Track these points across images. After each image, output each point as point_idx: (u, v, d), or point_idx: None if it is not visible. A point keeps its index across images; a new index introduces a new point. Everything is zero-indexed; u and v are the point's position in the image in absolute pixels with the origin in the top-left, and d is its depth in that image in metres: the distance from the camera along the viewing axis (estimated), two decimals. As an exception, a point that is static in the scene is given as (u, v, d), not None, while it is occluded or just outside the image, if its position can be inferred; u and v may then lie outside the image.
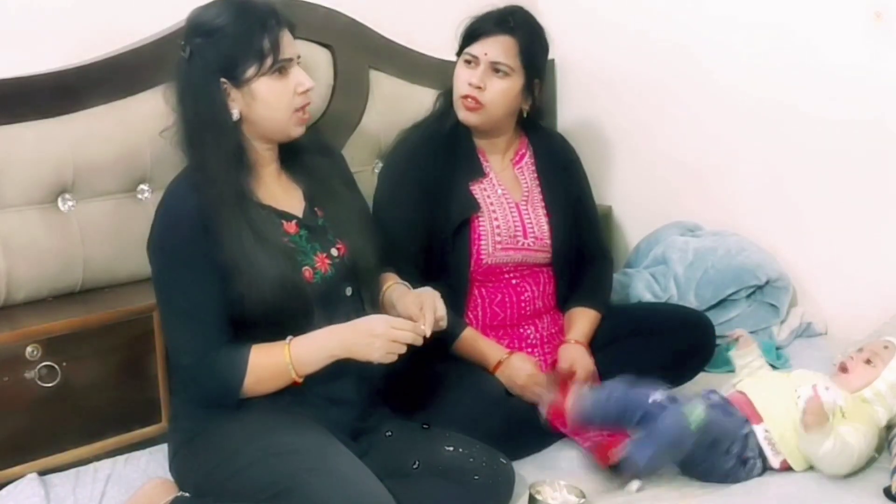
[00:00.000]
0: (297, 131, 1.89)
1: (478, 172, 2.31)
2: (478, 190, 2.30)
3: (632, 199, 3.11)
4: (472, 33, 2.26)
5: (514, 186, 2.36)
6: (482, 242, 2.26)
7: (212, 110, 1.81)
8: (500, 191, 2.32)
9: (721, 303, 2.73)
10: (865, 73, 2.54)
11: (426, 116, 2.38)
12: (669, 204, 3.00)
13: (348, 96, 2.59)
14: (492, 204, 2.30)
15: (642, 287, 2.76)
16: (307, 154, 1.97)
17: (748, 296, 2.75)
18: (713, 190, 2.92)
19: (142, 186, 2.26)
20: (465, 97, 2.24)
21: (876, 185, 2.59)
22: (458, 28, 2.29)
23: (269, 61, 1.80)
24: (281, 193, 1.92)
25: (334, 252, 1.92)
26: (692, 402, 2.02)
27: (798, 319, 2.75)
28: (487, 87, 2.23)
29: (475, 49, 2.24)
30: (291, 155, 1.95)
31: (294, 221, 1.90)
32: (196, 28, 1.83)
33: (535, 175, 2.39)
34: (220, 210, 1.78)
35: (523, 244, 2.30)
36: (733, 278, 2.72)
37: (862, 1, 2.51)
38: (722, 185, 2.90)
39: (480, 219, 2.27)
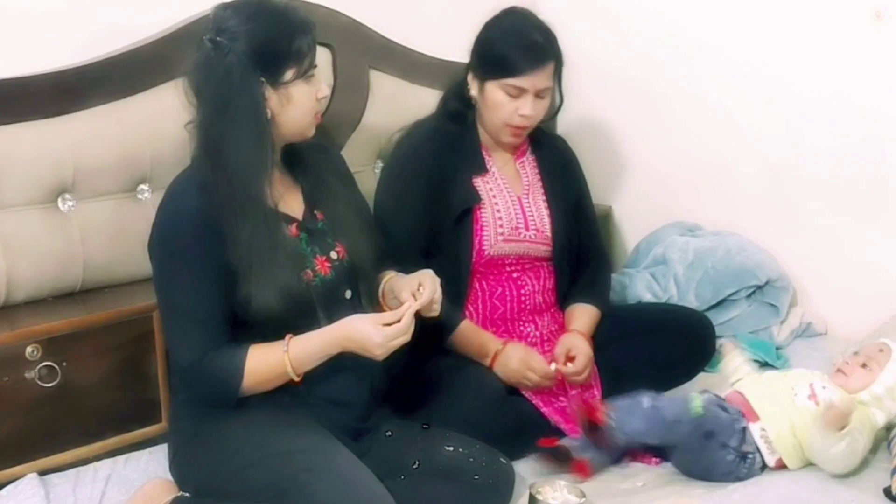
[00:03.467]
0: (311, 133, 1.90)
1: (480, 168, 2.32)
2: (480, 183, 2.31)
3: (632, 199, 3.11)
4: (514, 67, 2.19)
5: (516, 180, 2.37)
6: (484, 233, 2.27)
7: (249, 108, 1.77)
8: (501, 183, 2.33)
9: (721, 303, 2.73)
10: (866, 73, 2.54)
11: (432, 114, 2.38)
12: (669, 204, 3.00)
13: (348, 96, 2.60)
14: (494, 196, 2.31)
15: (642, 287, 2.77)
16: (305, 153, 1.96)
17: (748, 296, 2.74)
18: (713, 190, 2.92)
19: (142, 186, 2.26)
20: (515, 126, 2.25)
21: (876, 184, 2.59)
22: (482, 48, 2.25)
23: (306, 65, 1.81)
24: (284, 195, 1.92)
25: (333, 255, 1.91)
26: (692, 394, 2.03)
27: (798, 319, 2.75)
28: (535, 112, 2.25)
29: (523, 83, 2.20)
30: (290, 154, 1.95)
31: (295, 224, 1.90)
32: (230, 24, 1.77)
33: (537, 170, 2.40)
34: (231, 212, 1.77)
35: (525, 236, 2.31)
36: (733, 278, 2.72)
37: (862, 1, 2.51)
38: (722, 185, 2.90)
39: (482, 210, 2.28)
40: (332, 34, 2.54)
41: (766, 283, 2.74)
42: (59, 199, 2.15)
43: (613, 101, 3.06)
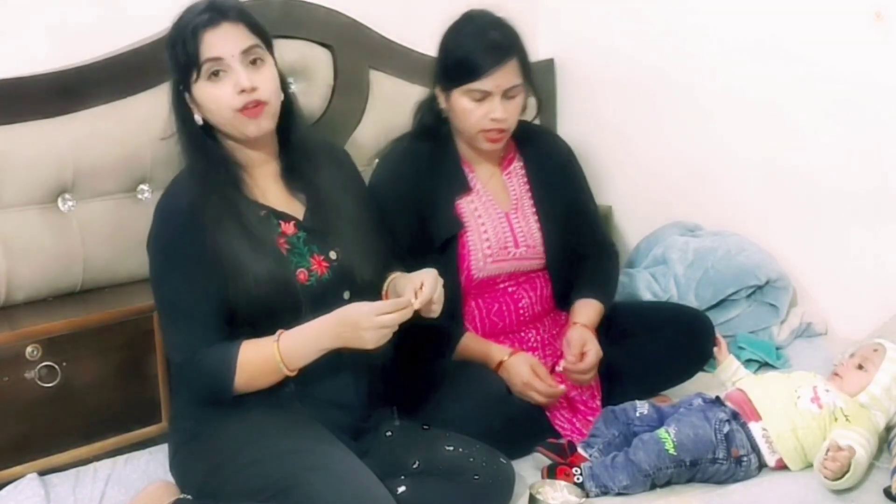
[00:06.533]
0: (251, 129, 1.83)
1: (463, 187, 2.25)
2: (464, 204, 2.24)
3: (632, 199, 3.11)
4: (474, 69, 2.11)
5: (503, 195, 2.30)
6: (472, 258, 2.22)
7: (181, 120, 1.86)
8: (487, 201, 2.27)
9: (721, 303, 2.73)
10: (865, 72, 2.54)
11: (407, 133, 2.31)
12: (669, 204, 3.00)
13: (348, 96, 2.60)
14: (480, 217, 2.25)
15: (642, 287, 2.77)
16: (311, 161, 1.94)
17: (748, 296, 2.75)
18: (713, 190, 2.92)
19: (142, 186, 2.27)
20: (489, 131, 2.16)
21: (876, 185, 2.59)
22: (441, 57, 2.20)
23: (197, 66, 1.79)
24: (279, 195, 1.92)
25: (332, 255, 1.90)
26: (665, 424, 2.03)
27: (798, 319, 2.75)
28: (507, 113, 2.16)
29: (485, 85, 2.11)
30: (295, 161, 1.93)
31: (293, 222, 1.89)
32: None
33: (526, 181, 2.33)
34: (210, 206, 1.79)
35: (515, 254, 2.27)
36: (733, 278, 2.72)
37: (862, 1, 2.51)
38: (722, 185, 2.90)
39: (468, 234, 2.22)
40: (332, 34, 2.54)
41: (766, 283, 2.74)
42: (59, 199, 2.15)
43: (613, 101, 3.06)
